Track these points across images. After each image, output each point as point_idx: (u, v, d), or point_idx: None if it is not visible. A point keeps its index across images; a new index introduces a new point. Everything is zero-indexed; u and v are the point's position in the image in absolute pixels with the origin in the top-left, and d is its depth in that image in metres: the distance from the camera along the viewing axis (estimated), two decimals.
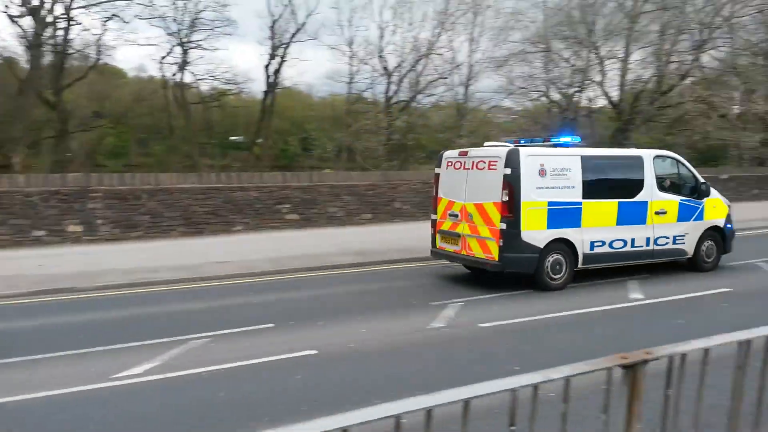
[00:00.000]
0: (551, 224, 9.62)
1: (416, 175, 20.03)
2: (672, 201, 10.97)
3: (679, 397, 2.51)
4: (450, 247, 10.49)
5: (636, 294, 9.67)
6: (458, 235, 10.21)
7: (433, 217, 10.93)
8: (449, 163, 10.69)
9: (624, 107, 29.25)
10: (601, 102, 31.08)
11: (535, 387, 1.99)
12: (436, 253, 10.99)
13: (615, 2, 27.41)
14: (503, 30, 28.16)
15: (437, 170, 10.96)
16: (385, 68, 28.73)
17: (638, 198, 10.55)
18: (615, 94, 29.66)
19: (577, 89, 29.48)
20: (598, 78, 28.70)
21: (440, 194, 10.74)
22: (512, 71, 28.96)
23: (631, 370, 2.17)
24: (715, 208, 11.65)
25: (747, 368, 2.69)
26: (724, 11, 27.07)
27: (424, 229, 12.09)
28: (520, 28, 28.19)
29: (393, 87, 28.93)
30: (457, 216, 10.23)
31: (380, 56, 28.57)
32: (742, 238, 16.31)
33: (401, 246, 13.82)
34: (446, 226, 10.53)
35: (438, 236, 10.79)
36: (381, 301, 9.28)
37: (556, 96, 30.69)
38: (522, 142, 10.59)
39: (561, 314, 8.39)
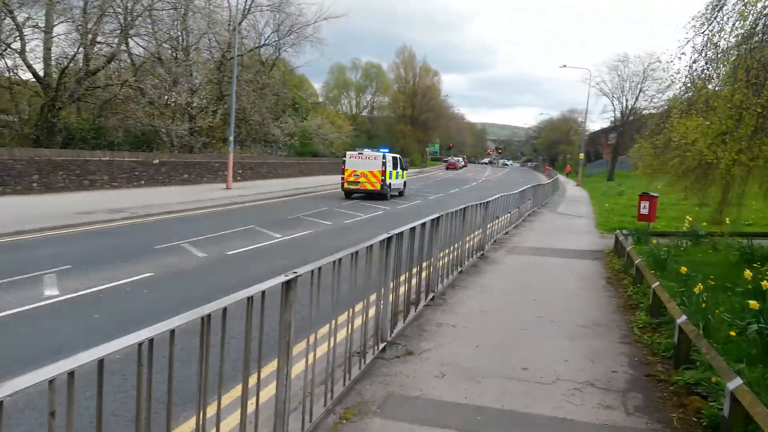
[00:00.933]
0: (389, 178, 27.03)
1: None
2: (401, 171, 29.76)
3: None
4: (353, 186, 26.45)
5: (52, 290, 8.58)
6: (358, 182, 26.19)
7: (342, 176, 26.96)
8: (351, 156, 26.96)
9: (50, 83, 26.78)
10: (26, 75, 27.64)
11: None
12: (345, 190, 27.02)
13: None
14: None
15: (344, 159, 27.08)
16: None
17: (397, 170, 28.63)
18: (39, 67, 26.81)
19: None
20: (16, 46, 25.24)
21: (347, 167, 26.60)
22: None
23: None
24: (405, 174, 30.86)
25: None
26: (144, 1, 27.99)
27: None
28: None
29: None
30: (358, 174, 26.12)
31: None
32: (172, 220, 17.35)
33: None
34: (351, 178, 26.31)
35: (345, 183, 26.66)
36: None
37: None
38: (374, 150, 28.22)
39: None
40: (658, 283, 7.48)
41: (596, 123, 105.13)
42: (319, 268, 4.14)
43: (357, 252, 4.94)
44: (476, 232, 12.45)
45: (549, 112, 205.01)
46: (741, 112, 5.88)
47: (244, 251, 12.73)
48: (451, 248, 9.76)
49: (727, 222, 19.06)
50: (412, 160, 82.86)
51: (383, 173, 26.40)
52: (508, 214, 17.93)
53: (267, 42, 46.40)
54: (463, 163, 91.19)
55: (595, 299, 8.96)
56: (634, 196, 35.23)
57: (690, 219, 19.63)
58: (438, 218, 8.27)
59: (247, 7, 41.35)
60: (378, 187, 26.40)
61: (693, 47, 7.42)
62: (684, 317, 5.75)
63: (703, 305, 6.93)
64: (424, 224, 7.50)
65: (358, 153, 27.11)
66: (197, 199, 22.98)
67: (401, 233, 6.39)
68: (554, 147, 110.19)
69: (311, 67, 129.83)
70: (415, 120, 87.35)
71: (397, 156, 29.39)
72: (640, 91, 61.52)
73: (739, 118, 6.05)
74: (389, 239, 5.97)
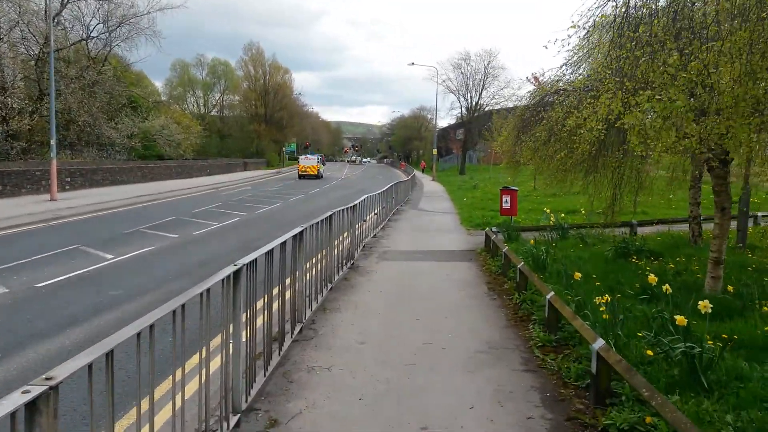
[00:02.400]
0: (320, 169, 56.12)
1: None
2: (322, 165, 59.49)
3: None
4: (304, 173, 53.78)
5: None
6: (306, 171, 53.87)
7: (298, 167, 55.82)
8: (302, 158, 56.95)
9: None
10: None
11: None
12: (300, 176, 53.61)
13: None
14: None
15: (300, 159, 57.52)
16: None
17: (321, 165, 58.08)
18: None
19: None
20: None
21: (300, 164, 55.31)
22: None
23: None
24: (322, 167, 59.07)
25: None
26: None
27: None
28: None
29: None
30: (306, 168, 54.13)
31: None
32: None
33: None
34: (302, 170, 54.06)
35: (300, 172, 54.19)
36: None
37: None
38: (312, 154, 62.46)
39: None
40: (552, 293, 6.65)
41: (444, 120, 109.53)
42: (109, 354, 2.50)
43: (183, 306, 3.32)
44: (345, 234, 11.14)
45: (400, 110, 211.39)
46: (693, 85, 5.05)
47: (60, 281, 10.28)
48: (319, 256, 8.31)
49: (583, 212, 19.67)
50: (269, 160, 79.96)
51: (318, 167, 54.03)
52: (374, 215, 16.90)
53: (93, 35, 41.41)
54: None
55: (481, 312, 8.02)
56: (488, 189, 36.34)
57: (548, 210, 20.04)
58: (301, 233, 6.79)
59: None
60: (316, 173, 53.41)
61: (614, 4, 6.43)
62: (601, 342, 4.84)
63: (605, 316, 6.19)
64: (284, 243, 5.99)
65: (305, 156, 56.30)
66: (10, 215, 19.30)
67: (254, 261, 4.84)
68: (408, 143, 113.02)
69: (150, 63, 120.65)
70: (269, 119, 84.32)
71: (322, 156, 64.10)
72: (483, 88, 64.70)
73: (692, 93, 5.24)
74: (237, 273, 4.40)
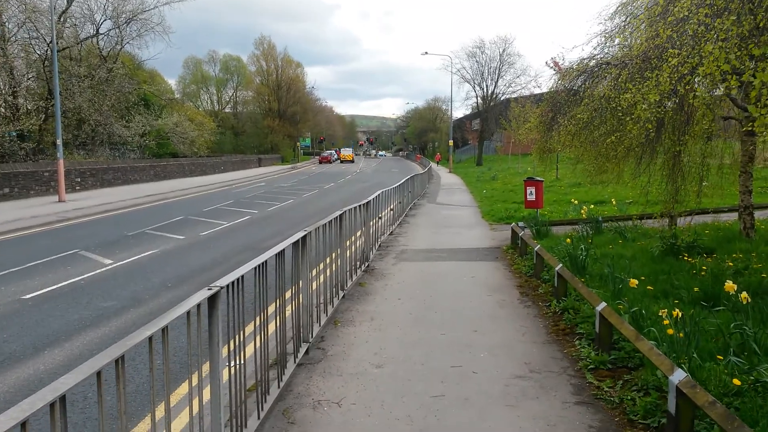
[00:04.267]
0: (354, 157, 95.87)
1: None
2: (354, 155, 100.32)
3: None
4: (345, 160, 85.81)
5: None
6: (346, 158, 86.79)
7: (337, 157, 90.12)
8: (343, 150, 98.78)
9: None
10: None
11: None
12: (341, 161, 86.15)
13: None
14: None
15: (341, 150, 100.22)
16: None
17: (354, 154, 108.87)
18: None
19: None
20: None
21: (342, 153, 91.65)
22: None
23: None
24: (353, 155, 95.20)
25: None
26: None
27: None
28: None
29: None
30: (345, 156, 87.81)
31: None
32: None
33: None
34: (343, 157, 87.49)
35: (340, 160, 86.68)
36: None
37: None
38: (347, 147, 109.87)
39: None
40: (604, 304, 5.59)
41: (460, 110, 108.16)
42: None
43: (121, 360, 2.35)
44: (358, 234, 10.15)
45: (415, 102, 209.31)
46: None
47: (50, 291, 9.43)
48: (328, 260, 7.32)
49: (613, 202, 18.45)
50: (283, 156, 79.23)
51: (353, 156, 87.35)
52: (390, 211, 15.90)
53: (102, 32, 40.79)
54: (336, 156, 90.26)
55: (516, 323, 6.97)
56: (508, 180, 35.05)
57: (576, 202, 18.84)
58: (304, 238, 5.81)
59: None
60: (352, 159, 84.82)
61: None
62: (682, 373, 3.80)
63: (669, 331, 5.13)
64: (281, 252, 5.01)
65: (345, 148, 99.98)
66: (15, 218, 18.69)
67: (240, 279, 3.86)
68: (423, 135, 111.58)
69: (164, 61, 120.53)
70: (282, 114, 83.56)
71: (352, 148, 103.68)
72: (499, 76, 63.17)
73: None
74: (213, 298, 3.42)
